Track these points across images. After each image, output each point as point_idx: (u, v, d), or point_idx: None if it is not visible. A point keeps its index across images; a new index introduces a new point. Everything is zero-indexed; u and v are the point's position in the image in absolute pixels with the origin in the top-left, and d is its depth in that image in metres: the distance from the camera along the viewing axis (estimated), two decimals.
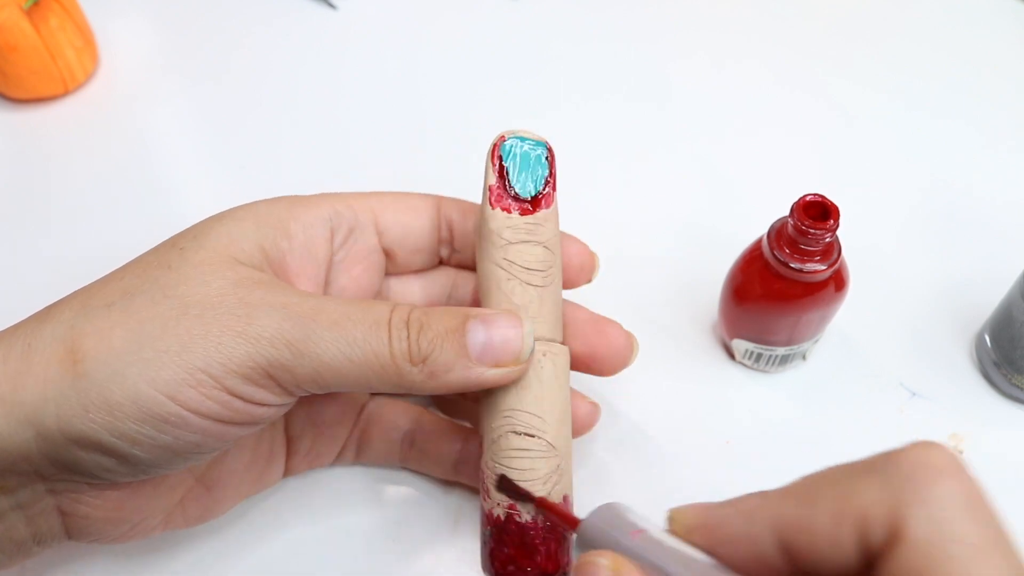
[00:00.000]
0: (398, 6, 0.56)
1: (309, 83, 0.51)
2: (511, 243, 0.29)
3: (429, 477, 0.36)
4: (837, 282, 0.35)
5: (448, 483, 0.36)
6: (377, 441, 0.34)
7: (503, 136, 0.30)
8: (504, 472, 0.29)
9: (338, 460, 0.35)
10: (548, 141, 0.30)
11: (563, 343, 0.31)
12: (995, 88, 0.52)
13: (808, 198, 0.33)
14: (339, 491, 0.36)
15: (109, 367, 0.25)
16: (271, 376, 0.26)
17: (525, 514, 0.29)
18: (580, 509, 0.35)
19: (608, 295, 0.42)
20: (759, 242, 0.36)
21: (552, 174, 0.30)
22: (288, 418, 0.33)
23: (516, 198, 0.29)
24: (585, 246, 0.33)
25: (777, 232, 0.34)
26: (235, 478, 0.32)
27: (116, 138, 0.49)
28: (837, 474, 0.22)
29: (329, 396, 0.33)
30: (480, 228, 0.30)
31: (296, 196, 0.32)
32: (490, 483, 0.29)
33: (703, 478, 0.37)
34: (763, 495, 0.23)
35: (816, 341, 0.38)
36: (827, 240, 0.33)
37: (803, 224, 0.32)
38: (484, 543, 0.30)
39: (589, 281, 0.34)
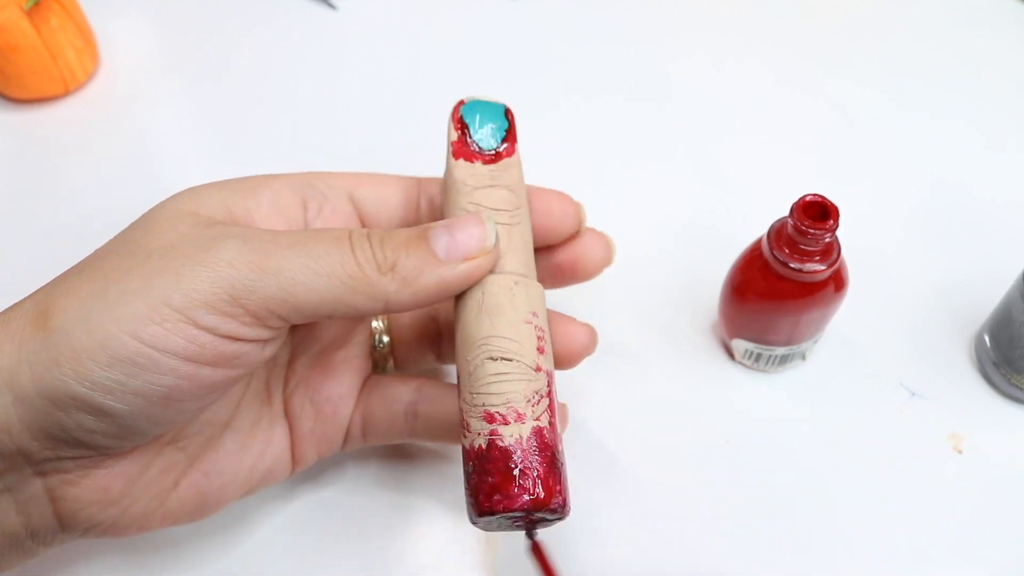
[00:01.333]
0: (398, 6, 0.56)
1: (309, 83, 0.51)
2: (476, 188, 0.30)
3: (426, 479, 0.36)
4: (837, 282, 0.35)
5: (446, 486, 0.36)
6: (380, 416, 0.34)
7: (462, 100, 0.32)
8: (484, 401, 0.27)
9: (347, 444, 0.34)
10: (506, 103, 0.32)
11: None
12: (995, 88, 0.52)
13: (808, 198, 0.33)
14: (339, 490, 0.36)
15: (76, 316, 0.25)
16: (237, 302, 0.26)
17: (508, 437, 0.27)
18: (581, 505, 0.35)
19: (608, 294, 0.42)
20: (759, 242, 0.36)
21: (512, 129, 0.32)
22: (287, 398, 0.33)
23: (479, 152, 0.31)
24: (567, 196, 0.34)
25: (777, 232, 0.34)
26: (231, 462, 0.31)
27: (116, 138, 0.49)
28: None
29: (326, 371, 0.33)
30: (445, 182, 0.31)
31: (270, 174, 0.32)
32: (469, 417, 0.28)
33: (703, 477, 0.37)
34: None
35: (816, 341, 0.38)
36: (827, 240, 0.33)
37: (803, 224, 0.32)
38: (467, 485, 0.28)
39: (576, 231, 0.34)
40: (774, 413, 0.38)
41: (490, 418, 0.27)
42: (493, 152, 0.31)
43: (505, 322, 0.28)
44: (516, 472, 0.27)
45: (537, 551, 0.28)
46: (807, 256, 0.34)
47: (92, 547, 0.34)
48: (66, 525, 0.28)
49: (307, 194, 0.32)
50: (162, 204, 0.29)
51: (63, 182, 0.47)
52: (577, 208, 0.34)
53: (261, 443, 0.32)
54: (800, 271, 0.34)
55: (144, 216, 0.29)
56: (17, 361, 0.25)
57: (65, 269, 0.28)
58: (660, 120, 0.50)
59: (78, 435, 0.26)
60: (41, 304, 0.26)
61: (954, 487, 0.36)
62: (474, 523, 0.28)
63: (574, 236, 0.34)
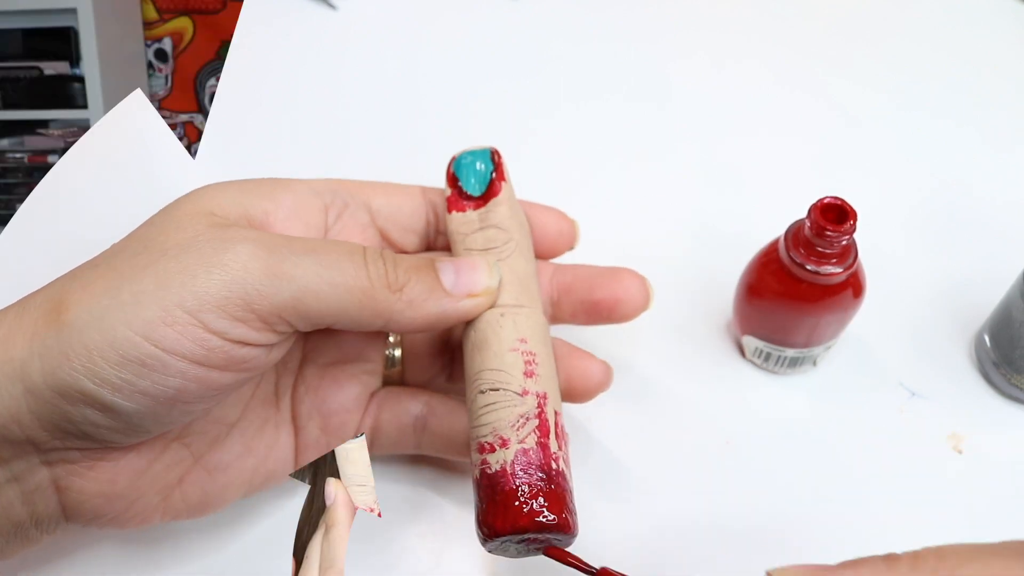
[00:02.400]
0: (398, 6, 0.56)
1: (309, 83, 0.51)
2: (468, 234, 0.32)
3: (427, 477, 0.36)
4: (855, 287, 0.35)
5: (447, 484, 0.36)
6: (389, 427, 0.34)
7: (454, 156, 0.34)
8: (477, 433, 0.29)
9: None
10: (493, 147, 0.34)
11: (545, 312, 0.33)
12: (995, 88, 0.52)
13: (826, 200, 0.33)
14: None
15: (90, 313, 0.26)
16: (249, 306, 0.26)
17: (495, 464, 0.28)
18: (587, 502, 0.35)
19: None
20: (775, 243, 0.35)
21: (498, 169, 0.33)
22: (294, 404, 0.33)
23: (469, 198, 0.33)
24: (562, 213, 0.35)
25: (794, 234, 0.34)
26: (236, 462, 0.31)
27: (116, 138, 0.48)
28: (983, 552, 0.21)
29: (336, 383, 0.33)
30: (447, 234, 0.33)
31: (289, 178, 0.33)
32: (471, 451, 0.29)
33: (706, 476, 0.37)
34: (889, 566, 0.21)
35: (829, 348, 0.38)
36: (844, 243, 0.33)
37: (821, 226, 0.32)
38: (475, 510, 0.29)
39: (572, 248, 0.35)
40: (775, 413, 0.38)
41: (481, 448, 0.29)
42: (481, 196, 0.33)
43: (491, 354, 0.30)
44: (502, 497, 0.28)
45: (553, 554, 0.29)
46: (824, 258, 0.34)
47: (90, 539, 0.34)
48: (70, 515, 0.28)
49: (328, 200, 0.32)
50: (178, 201, 0.30)
51: (63, 182, 0.47)
52: (572, 226, 0.35)
53: (266, 446, 0.32)
54: (816, 273, 0.34)
55: (160, 213, 0.29)
56: (29, 353, 0.25)
57: (66, 269, 0.28)
58: (660, 120, 0.50)
59: (85, 428, 0.26)
60: (54, 298, 0.26)
61: (954, 487, 0.36)
62: (489, 551, 0.29)
63: (614, 275, 0.34)
